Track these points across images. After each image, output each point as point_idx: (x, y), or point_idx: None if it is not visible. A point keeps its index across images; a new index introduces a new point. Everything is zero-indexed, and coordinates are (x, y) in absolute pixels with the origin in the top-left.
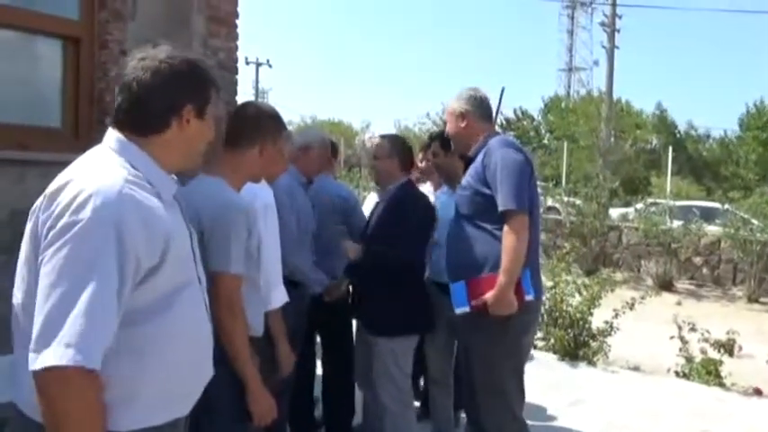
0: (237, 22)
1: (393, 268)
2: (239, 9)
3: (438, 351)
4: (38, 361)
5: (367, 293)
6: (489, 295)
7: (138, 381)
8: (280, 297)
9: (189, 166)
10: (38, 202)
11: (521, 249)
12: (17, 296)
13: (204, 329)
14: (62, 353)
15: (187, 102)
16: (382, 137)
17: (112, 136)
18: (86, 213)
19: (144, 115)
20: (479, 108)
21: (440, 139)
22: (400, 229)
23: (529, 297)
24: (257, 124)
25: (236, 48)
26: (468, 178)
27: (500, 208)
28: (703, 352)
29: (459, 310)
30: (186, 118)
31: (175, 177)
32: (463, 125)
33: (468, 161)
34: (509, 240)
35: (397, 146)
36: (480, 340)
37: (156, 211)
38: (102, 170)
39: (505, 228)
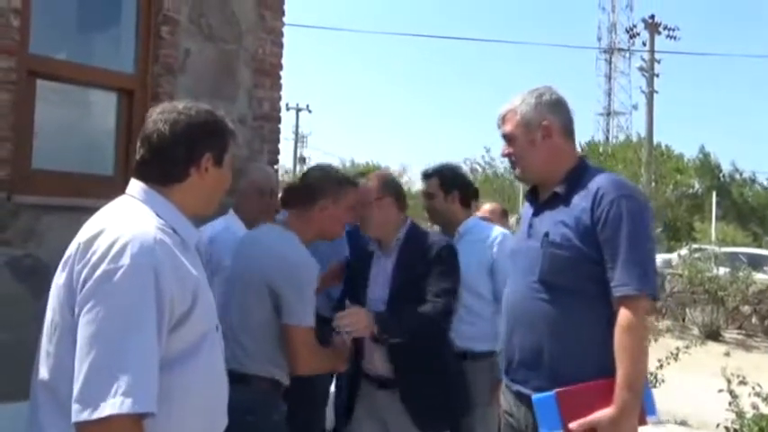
0: (281, 73)
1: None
2: (283, 60)
3: None
4: (90, 412)
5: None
6: (602, 417)
7: (162, 429)
8: None
9: (207, 212)
10: (71, 251)
11: (645, 350)
12: (44, 347)
13: (222, 377)
14: (120, 402)
15: (205, 150)
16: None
17: (136, 186)
18: (125, 260)
19: (164, 165)
20: (567, 121)
21: (439, 176)
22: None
23: (652, 418)
24: (321, 184)
25: (280, 98)
26: (562, 228)
27: (621, 290)
28: (755, 407)
29: None
30: (205, 166)
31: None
32: (545, 144)
33: (531, 192)
34: (632, 337)
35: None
36: None
37: (184, 258)
38: (133, 218)
39: (626, 316)
